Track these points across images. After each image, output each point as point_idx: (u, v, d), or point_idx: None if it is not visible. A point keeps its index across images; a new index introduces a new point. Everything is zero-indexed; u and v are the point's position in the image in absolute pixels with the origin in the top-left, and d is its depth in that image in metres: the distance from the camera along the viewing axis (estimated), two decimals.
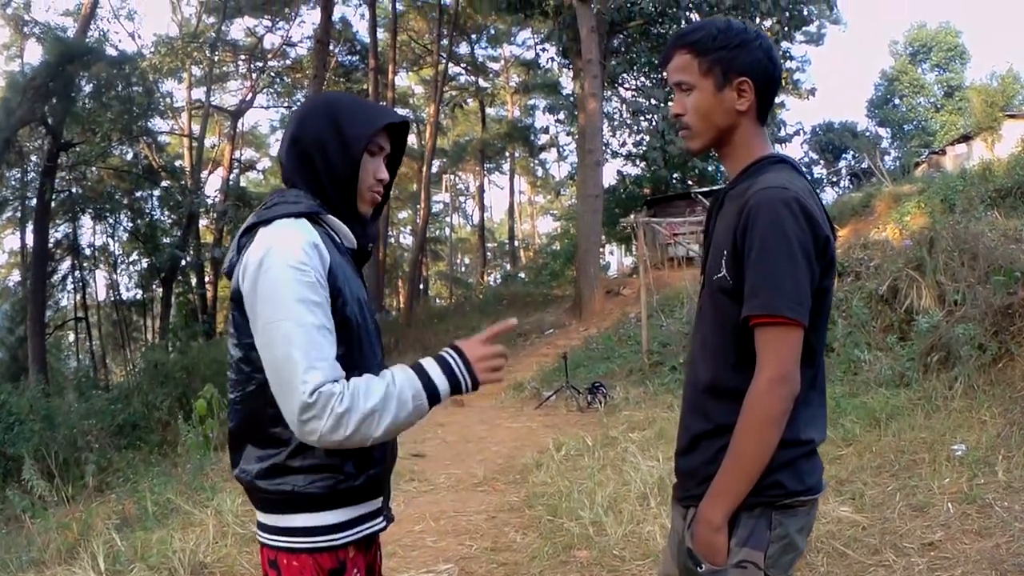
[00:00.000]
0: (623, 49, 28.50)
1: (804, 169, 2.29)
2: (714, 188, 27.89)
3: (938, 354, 8.30)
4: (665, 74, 2.32)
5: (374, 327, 2.27)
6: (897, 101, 54.22)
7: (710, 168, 35.85)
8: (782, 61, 2.40)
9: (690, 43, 2.21)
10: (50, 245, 29.99)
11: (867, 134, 52.16)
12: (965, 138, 35.46)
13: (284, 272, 1.97)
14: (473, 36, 46.28)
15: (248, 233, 2.13)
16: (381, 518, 2.25)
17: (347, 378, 1.99)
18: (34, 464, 9.54)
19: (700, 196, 13.09)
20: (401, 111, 49.89)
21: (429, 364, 2.13)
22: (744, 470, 2.01)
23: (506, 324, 2.28)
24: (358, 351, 2.12)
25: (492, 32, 46.72)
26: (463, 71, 49.64)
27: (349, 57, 42.05)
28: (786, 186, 2.02)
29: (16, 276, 38.62)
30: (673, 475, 2.40)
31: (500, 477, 8.34)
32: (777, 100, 2.52)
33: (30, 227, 29.00)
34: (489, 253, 61.29)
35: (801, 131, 43.13)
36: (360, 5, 39.60)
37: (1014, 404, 7.17)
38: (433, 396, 2.08)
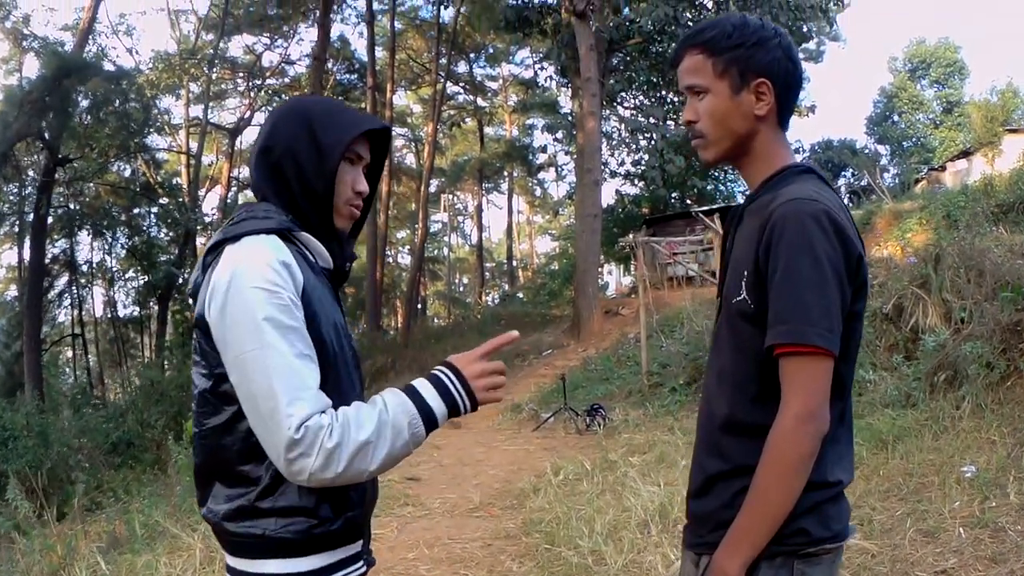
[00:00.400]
0: (622, 67, 28.40)
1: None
2: (713, 207, 27.82)
3: (945, 373, 8.11)
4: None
5: (352, 355, 2.08)
6: (896, 118, 54.39)
7: (709, 187, 35.86)
8: None
9: (703, 42, 2.04)
10: (47, 261, 29.91)
11: (866, 151, 52.14)
12: (965, 154, 35.47)
13: (255, 295, 1.80)
14: (471, 55, 46.27)
15: (214, 251, 1.95)
16: (361, 563, 2.05)
17: (334, 407, 1.82)
18: (19, 485, 9.40)
19: (700, 215, 12.92)
20: (400, 130, 50.18)
21: (423, 386, 1.96)
22: (765, 517, 1.82)
23: (507, 337, 2.10)
24: (334, 379, 1.93)
25: (491, 51, 46.63)
26: (461, 90, 49.73)
27: (348, 75, 42.04)
28: (814, 198, 1.85)
29: (13, 291, 38.57)
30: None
31: (496, 502, 8.16)
32: None
33: (28, 242, 28.83)
34: (487, 273, 61.28)
35: (800, 149, 43.12)
36: (359, 23, 39.67)
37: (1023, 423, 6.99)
38: (430, 421, 1.92)
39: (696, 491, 2.08)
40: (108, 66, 26.41)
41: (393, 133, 2.28)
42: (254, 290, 1.80)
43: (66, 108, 24.01)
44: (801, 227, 1.79)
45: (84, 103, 26.07)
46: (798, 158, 2.13)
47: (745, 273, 1.89)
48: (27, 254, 29.14)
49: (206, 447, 1.94)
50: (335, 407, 1.84)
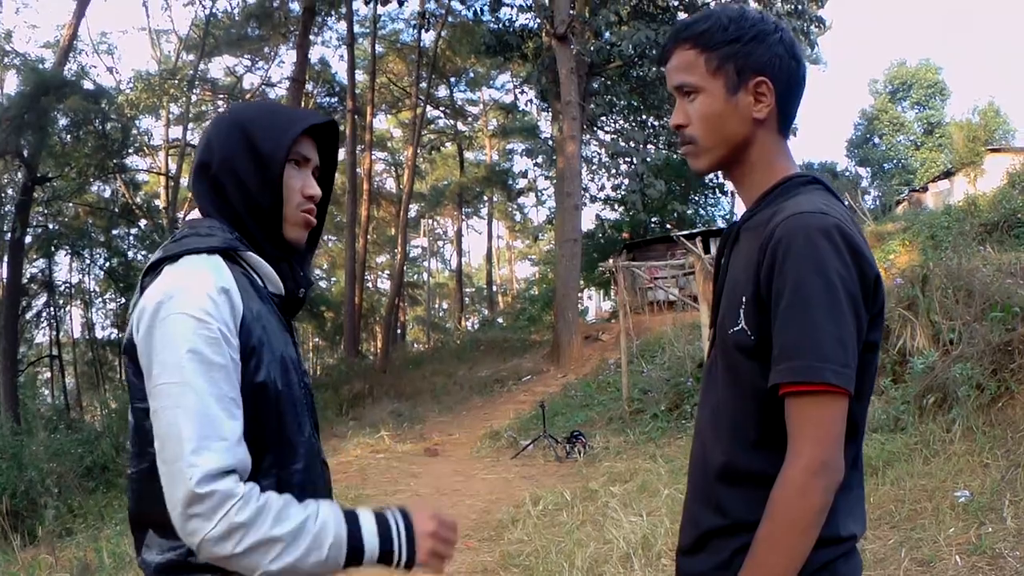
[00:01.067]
0: (602, 91, 28.38)
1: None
2: (694, 231, 27.75)
3: (934, 395, 7.96)
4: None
5: (304, 394, 1.85)
6: (877, 140, 54.75)
7: (689, 211, 35.83)
8: None
9: (695, 36, 1.80)
10: (25, 280, 29.54)
11: (847, 174, 52.28)
12: (947, 174, 35.82)
13: (183, 323, 1.59)
14: (452, 79, 46.19)
15: (152, 271, 1.73)
16: None
17: (263, 460, 1.64)
18: None
19: (682, 239, 12.77)
20: (379, 154, 50.05)
21: (366, 517, 1.72)
22: None
23: (455, 526, 1.84)
24: (276, 425, 1.71)
25: (471, 75, 46.67)
26: (442, 114, 49.65)
27: (328, 99, 41.89)
28: (824, 210, 1.62)
29: None
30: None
31: (474, 534, 7.92)
32: None
33: (5, 261, 28.49)
34: (467, 298, 61.09)
35: None
36: (339, 46, 39.55)
37: (1016, 445, 6.86)
38: (355, 553, 1.67)
39: (688, 547, 1.85)
40: (88, 84, 26.10)
41: (339, 128, 1.96)
42: (183, 317, 1.60)
43: (44, 126, 23.72)
44: (810, 244, 1.56)
45: (63, 121, 25.84)
46: None
47: (743, 300, 1.67)
48: (4, 272, 28.82)
49: (136, 492, 1.74)
50: (277, 454, 1.67)
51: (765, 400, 1.62)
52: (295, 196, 1.87)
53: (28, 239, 26.77)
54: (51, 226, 30.45)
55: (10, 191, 27.50)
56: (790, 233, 1.58)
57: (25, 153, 24.57)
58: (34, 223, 28.72)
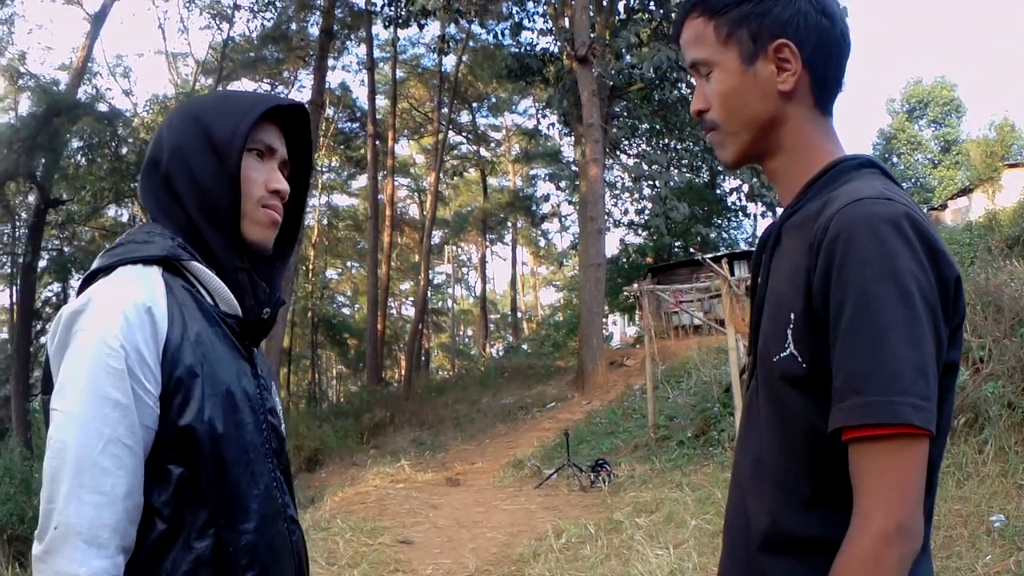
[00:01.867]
0: (624, 114, 28.27)
1: None
2: (718, 254, 27.47)
3: (965, 416, 7.71)
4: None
5: (265, 437, 1.57)
6: (895, 159, 54.36)
7: (712, 234, 35.59)
8: None
9: (698, 2, 1.52)
10: (39, 304, 29.57)
11: None
12: (965, 191, 35.57)
13: (87, 344, 1.36)
14: (474, 104, 46.23)
15: (87, 284, 1.50)
16: None
17: (196, 517, 1.42)
18: None
19: (708, 260, 12.48)
20: (402, 180, 50.11)
21: None
22: None
23: None
24: (215, 475, 1.44)
25: (493, 100, 46.71)
26: (464, 140, 49.64)
27: (349, 123, 41.93)
28: (888, 196, 1.30)
29: (4, 334, 38.22)
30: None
31: (493, 569, 7.66)
32: None
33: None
34: (491, 325, 60.93)
35: None
36: (360, 70, 39.66)
37: None
38: None
39: None
40: (103, 107, 26.11)
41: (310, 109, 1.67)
42: (88, 338, 1.37)
43: (56, 148, 23.74)
44: (876, 240, 1.24)
45: (76, 143, 25.83)
46: None
47: (791, 317, 1.34)
48: (17, 296, 28.88)
49: None
50: (212, 508, 1.42)
51: (822, 446, 1.30)
52: (256, 190, 1.62)
53: (43, 263, 26.75)
54: (66, 249, 30.54)
55: (23, 214, 27.58)
56: (849, 226, 1.26)
57: (38, 175, 24.58)
58: (48, 246, 28.78)
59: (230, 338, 1.57)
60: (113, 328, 1.37)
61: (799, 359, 1.32)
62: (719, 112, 1.51)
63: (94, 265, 1.53)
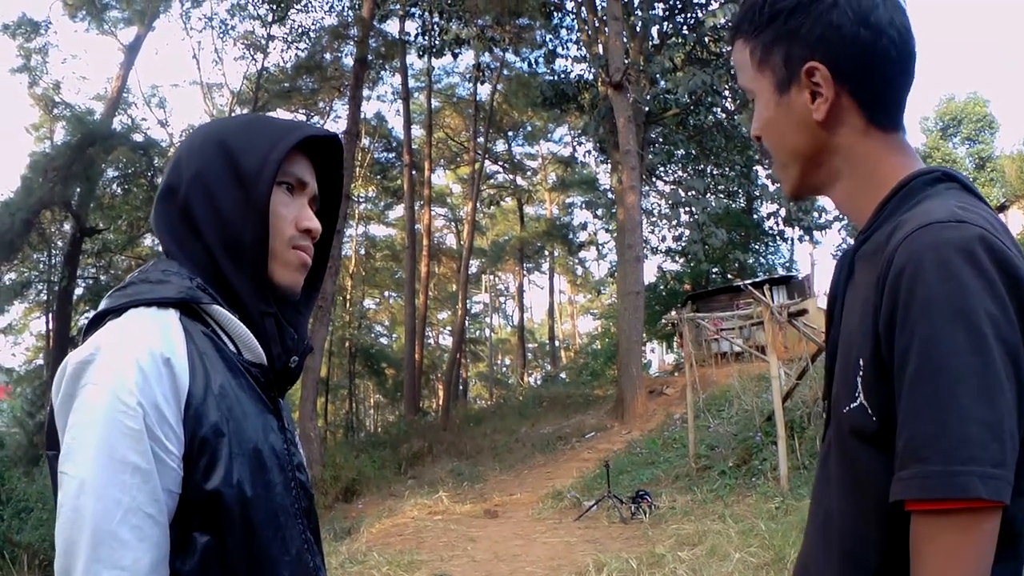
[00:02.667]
0: (660, 140, 28.17)
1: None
2: (757, 280, 27.20)
3: None
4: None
5: (295, 497, 1.42)
6: None
7: (750, 260, 35.29)
8: None
9: (736, 24, 1.40)
10: (74, 332, 29.82)
11: None
12: (1001, 208, 35.18)
13: (99, 400, 1.20)
14: (509, 133, 46.20)
15: (95, 326, 1.33)
16: None
17: None
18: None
19: (749, 287, 12.33)
20: (439, 210, 50.19)
21: None
22: None
23: None
24: (245, 542, 1.30)
25: (528, 129, 46.65)
26: (500, 169, 49.66)
27: (385, 154, 42.02)
28: (960, 218, 1.12)
29: (41, 360, 38.53)
30: None
31: None
32: None
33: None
34: (530, 354, 60.71)
35: (841, 216, 42.67)
36: (395, 100, 39.75)
37: None
38: None
39: None
40: (137, 137, 26.30)
41: (343, 141, 1.44)
42: (101, 392, 1.20)
43: (91, 177, 23.90)
44: (944, 273, 1.07)
45: (111, 173, 25.96)
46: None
47: (860, 363, 1.17)
48: (53, 323, 29.06)
49: None
50: None
51: (896, 514, 1.12)
52: (286, 228, 1.45)
53: (79, 290, 26.91)
54: (102, 278, 30.66)
55: (59, 242, 27.76)
56: (914, 258, 1.10)
57: (73, 204, 24.73)
58: (84, 275, 28.92)
59: (255, 389, 1.41)
60: (127, 382, 1.21)
61: (869, 411, 1.16)
62: (767, 142, 1.38)
63: (102, 305, 1.37)
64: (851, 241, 1.36)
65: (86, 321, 1.40)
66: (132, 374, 1.21)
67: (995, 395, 1.04)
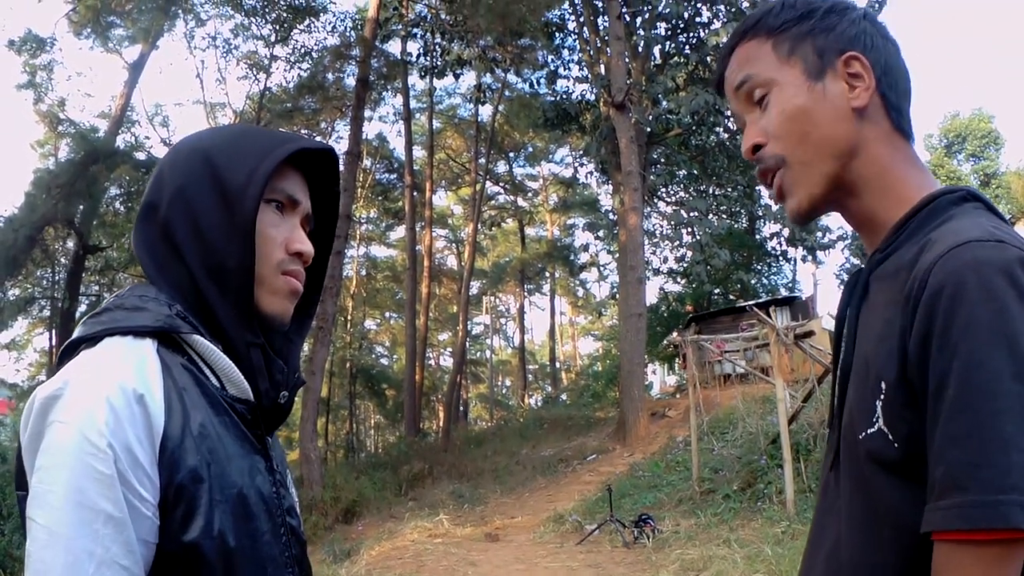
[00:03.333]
0: (662, 161, 28.19)
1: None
2: (760, 301, 27.10)
3: None
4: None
5: (286, 543, 1.29)
6: None
7: (752, 280, 35.26)
8: None
9: (753, 25, 1.34)
10: None
11: None
12: None
13: (67, 440, 1.08)
14: (511, 154, 46.29)
15: (69, 355, 1.20)
16: None
17: None
18: None
19: (755, 309, 12.26)
20: (440, 231, 50.22)
21: None
22: None
23: None
24: None
25: (530, 150, 46.76)
26: (501, 190, 49.73)
27: (386, 175, 42.07)
28: (998, 236, 1.06)
29: (44, 376, 38.55)
30: None
31: None
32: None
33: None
34: (530, 375, 60.70)
35: (844, 236, 42.57)
36: (396, 121, 39.82)
37: None
38: None
39: None
40: (141, 155, 26.28)
41: (340, 157, 1.30)
42: (69, 431, 1.08)
43: (93, 194, 23.87)
44: (986, 295, 1.01)
45: (114, 191, 25.92)
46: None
47: (882, 387, 1.11)
48: (55, 341, 29.04)
49: None
50: None
51: (914, 544, 1.06)
52: (275, 252, 1.33)
53: (82, 307, 26.87)
54: (105, 296, 30.64)
55: (62, 259, 27.74)
56: (954, 278, 1.03)
57: (76, 221, 24.71)
58: (87, 292, 28.91)
59: (240, 427, 1.27)
60: (97, 421, 1.08)
61: (890, 436, 1.10)
62: (783, 140, 1.28)
63: (76, 333, 1.24)
64: (855, 261, 1.29)
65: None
66: (102, 413, 1.09)
67: None
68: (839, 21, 1.29)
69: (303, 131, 35.02)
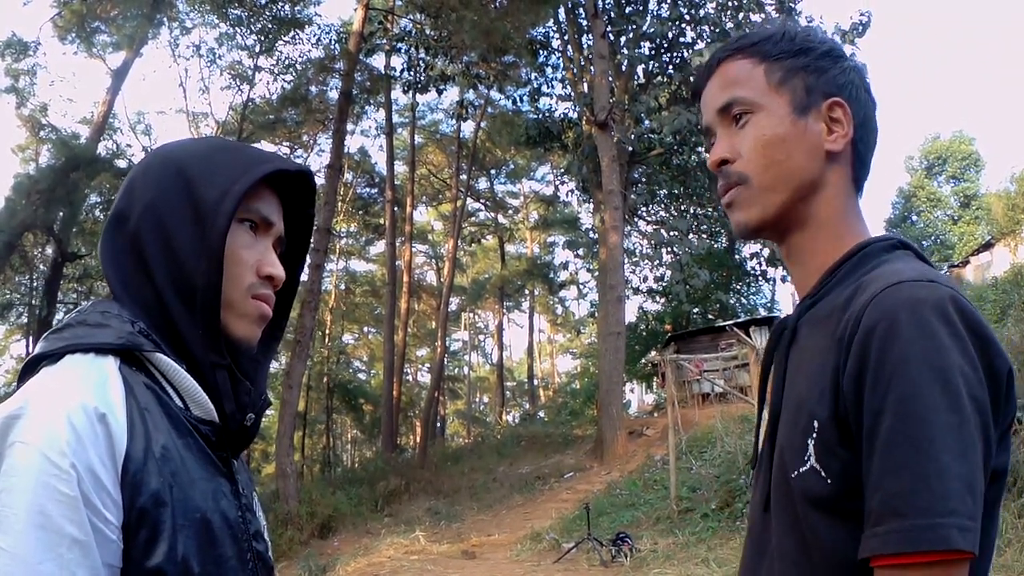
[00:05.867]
0: (644, 180, 28.28)
1: None
2: (739, 320, 27.17)
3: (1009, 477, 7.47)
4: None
5: (249, 571, 1.25)
6: (915, 217, 54.38)
7: (731, 300, 35.37)
8: None
9: (750, 45, 1.37)
10: None
11: None
12: (987, 246, 35.58)
13: (29, 461, 1.03)
14: (492, 171, 46.36)
15: (30, 371, 1.17)
16: None
17: None
18: None
19: (735, 329, 12.32)
20: (420, 247, 50.13)
21: None
22: None
23: None
24: None
25: (511, 167, 46.81)
26: (482, 207, 49.74)
27: (368, 189, 42.01)
28: (930, 276, 1.13)
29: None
30: None
31: None
32: None
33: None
34: (508, 392, 60.63)
35: None
36: (378, 135, 39.75)
37: None
38: None
39: None
40: (121, 163, 26.12)
41: (318, 181, 1.23)
42: (30, 452, 1.04)
43: (73, 201, 23.73)
44: (920, 330, 1.06)
45: (94, 198, 25.79)
46: None
47: (814, 426, 1.14)
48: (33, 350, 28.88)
49: None
50: None
51: (851, 571, 1.09)
52: (245, 274, 1.29)
53: (59, 315, 26.67)
54: (83, 304, 30.51)
55: (41, 266, 27.59)
56: (888, 315, 1.08)
57: (55, 228, 24.57)
58: (65, 300, 28.70)
59: (204, 450, 1.23)
60: (58, 442, 1.04)
61: (822, 474, 1.13)
62: (753, 162, 1.32)
63: (37, 349, 1.20)
64: None
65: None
66: (63, 432, 1.05)
67: (968, 451, 1.03)
68: (832, 66, 1.34)
69: (285, 144, 35.03)
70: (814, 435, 1.14)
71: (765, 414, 1.35)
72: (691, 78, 23.80)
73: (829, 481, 1.12)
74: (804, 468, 1.15)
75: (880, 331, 1.07)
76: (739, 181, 1.34)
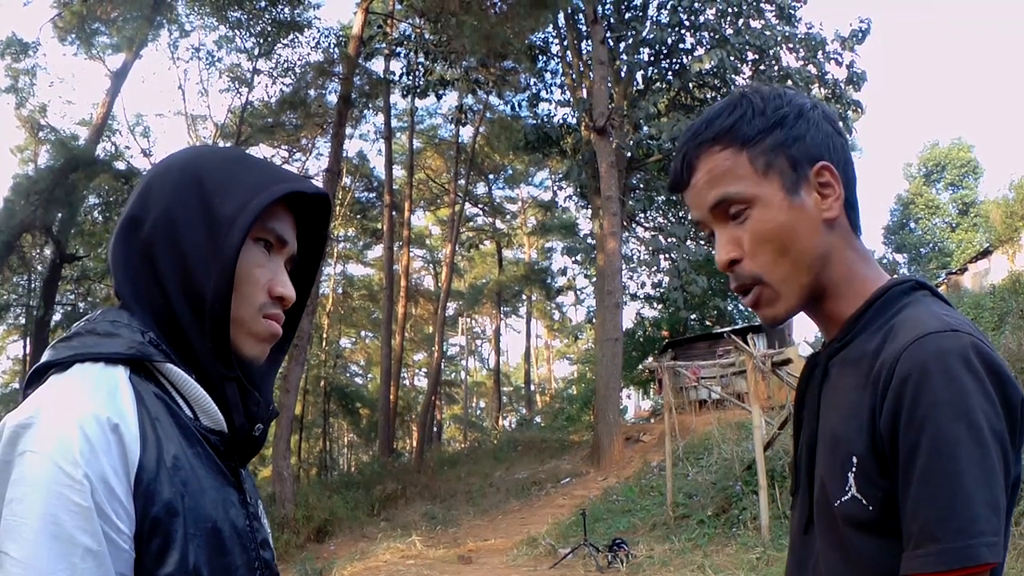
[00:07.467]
0: (641, 186, 28.24)
1: None
2: (736, 327, 27.15)
3: None
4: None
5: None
6: (913, 224, 54.42)
7: (729, 307, 35.35)
8: None
9: (724, 131, 1.35)
10: None
11: (884, 261, 51.47)
12: (985, 253, 35.50)
13: (41, 471, 1.02)
14: (490, 176, 46.35)
15: (37, 380, 1.16)
16: None
17: None
18: None
19: (733, 336, 12.30)
20: (418, 251, 50.10)
21: None
22: None
23: None
24: None
25: (509, 172, 46.78)
26: (480, 212, 49.73)
27: (366, 193, 41.93)
28: (954, 326, 1.23)
29: (17, 384, 38.10)
30: None
31: None
32: None
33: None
34: (505, 397, 60.57)
35: None
36: (377, 139, 39.74)
37: None
38: None
39: None
40: (120, 165, 26.08)
41: (333, 202, 1.26)
42: (42, 461, 1.03)
43: (72, 203, 23.69)
44: (949, 380, 1.17)
45: (93, 200, 25.75)
46: None
47: (853, 460, 1.26)
48: (29, 350, 28.72)
49: None
50: None
51: None
52: (257, 293, 1.28)
53: (57, 317, 26.63)
54: (80, 305, 30.36)
55: (39, 267, 27.56)
56: (921, 365, 1.19)
57: (54, 229, 24.54)
58: (63, 301, 28.69)
59: (213, 460, 1.24)
60: (72, 451, 1.03)
61: (863, 502, 1.25)
62: (763, 258, 1.34)
63: (45, 357, 1.19)
64: None
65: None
66: (75, 441, 1.04)
67: (991, 478, 1.15)
68: (807, 129, 1.34)
69: (284, 148, 34.96)
70: (853, 469, 1.25)
71: (801, 442, 1.46)
72: (690, 84, 23.90)
73: (871, 508, 1.23)
74: (846, 498, 1.26)
75: (913, 380, 1.18)
76: (754, 281, 1.36)
